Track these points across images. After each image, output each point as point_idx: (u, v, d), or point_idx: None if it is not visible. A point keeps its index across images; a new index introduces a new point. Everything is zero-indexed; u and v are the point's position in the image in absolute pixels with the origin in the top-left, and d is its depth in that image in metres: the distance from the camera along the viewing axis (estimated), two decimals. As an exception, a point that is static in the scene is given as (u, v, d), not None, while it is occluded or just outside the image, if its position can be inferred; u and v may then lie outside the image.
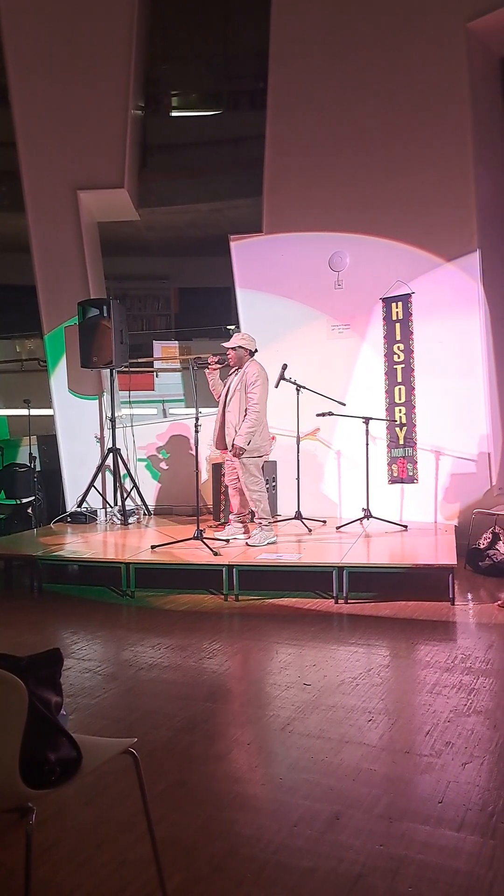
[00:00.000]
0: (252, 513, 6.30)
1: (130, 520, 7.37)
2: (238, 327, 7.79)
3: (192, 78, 9.19)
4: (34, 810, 1.86)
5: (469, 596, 5.64)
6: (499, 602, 5.24)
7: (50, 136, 8.00)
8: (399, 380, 7.06)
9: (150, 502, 8.00)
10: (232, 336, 6.32)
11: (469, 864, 2.35)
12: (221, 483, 7.18)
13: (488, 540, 6.28)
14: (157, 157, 8.57)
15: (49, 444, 8.45)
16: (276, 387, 6.75)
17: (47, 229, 8.09)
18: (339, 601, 5.43)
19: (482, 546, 6.28)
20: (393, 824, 2.58)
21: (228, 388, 6.22)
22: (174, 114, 9.10)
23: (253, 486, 6.13)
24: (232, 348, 6.21)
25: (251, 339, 6.28)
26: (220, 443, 6.28)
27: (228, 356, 6.23)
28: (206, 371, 6.38)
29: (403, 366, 7.03)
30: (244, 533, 6.37)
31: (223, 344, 6.31)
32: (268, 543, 6.12)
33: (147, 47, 8.28)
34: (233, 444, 6.04)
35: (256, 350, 6.29)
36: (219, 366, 6.31)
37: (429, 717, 3.44)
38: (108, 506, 7.71)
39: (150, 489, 8.07)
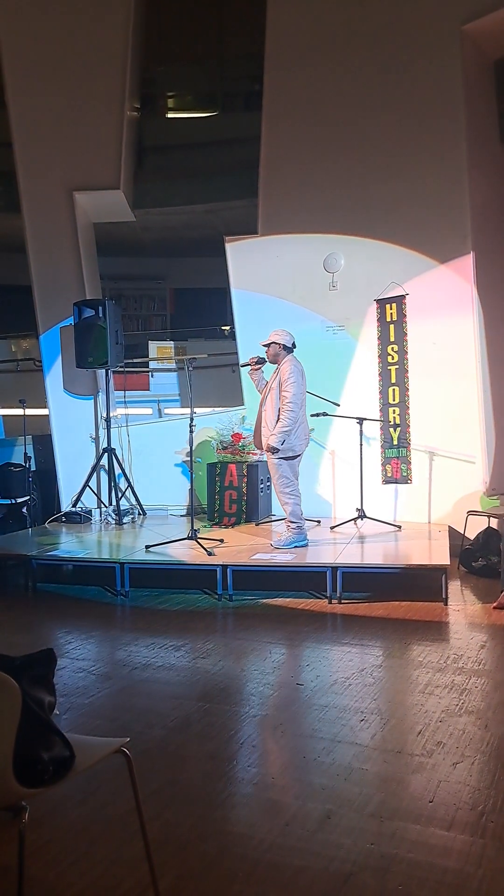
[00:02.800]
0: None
1: (125, 519, 7.38)
2: (233, 328, 7.81)
3: (187, 80, 9.19)
4: (27, 809, 1.88)
5: (462, 596, 5.66)
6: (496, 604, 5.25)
7: (46, 138, 8.01)
8: (393, 381, 7.08)
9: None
10: (269, 334, 6.13)
11: (459, 862, 2.37)
12: (216, 483, 7.20)
13: (481, 540, 6.31)
14: (153, 158, 8.58)
15: (44, 444, 8.46)
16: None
17: (43, 230, 8.10)
18: (333, 601, 5.44)
19: (475, 547, 6.31)
20: (384, 823, 2.60)
21: (267, 385, 6.09)
22: (170, 115, 9.11)
23: (283, 488, 5.96)
24: (266, 345, 6.08)
25: (286, 335, 6.06)
26: (258, 441, 6.19)
27: (266, 353, 6.13)
28: (249, 373, 6.34)
29: (397, 367, 7.06)
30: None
31: (260, 342, 6.19)
32: (295, 546, 5.93)
33: (143, 49, 8.29)
34: (267, 444, 5.90)
35: (294, 346, 6.08)
36: (259, 365, 6.23)
37: (421, 717, 3.46)
38: (102, 505, 7.72)
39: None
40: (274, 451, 5.85)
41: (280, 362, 6.00)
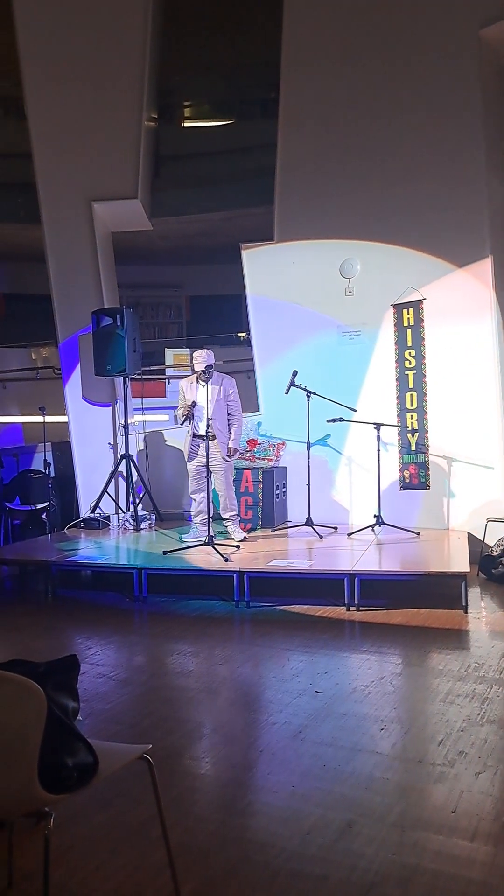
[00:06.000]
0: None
1: (143, 525, 7.41)
2: (249, 334, 7.84)
3: (204, 88, 9.25)
4: (52, 815, 1.89)
5: (482, 604, 5.62)
6: None
7: (65, 149, 8.08)
8: (410, 386, 7.06)
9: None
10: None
11: (482, 873, 2.36)
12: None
13: (501, 547, 6.27)
14: (170, 167, 8.63)
15: (63, 451, 8.52)
16: (287, 393, 6.80)
17: (62, 240, 8.17)
18: (351, 608, 5.43)
19: (495, 553, 6.27)
20: (406, 833, 2.59)
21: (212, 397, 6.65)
22: (186, 124, 9.16)
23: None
24: (210, 365, 6.48)
25: (197, 359, 6.45)
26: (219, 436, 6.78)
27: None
28: (195, 381, 6.64)
29: (415, 372, 7.04)
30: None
31: (206, 363, 6.51)
32: (188, 539, 6.49)
33: (160, 58, 8.36)
34: (232, 448, 6.59)
35: (196, 371, 6.44)
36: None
37: (442, 726, 3.44)
38: (120, 511, 7.76)
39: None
40: (235, 452, 6.58)
41: (216, 378, 6.50)
